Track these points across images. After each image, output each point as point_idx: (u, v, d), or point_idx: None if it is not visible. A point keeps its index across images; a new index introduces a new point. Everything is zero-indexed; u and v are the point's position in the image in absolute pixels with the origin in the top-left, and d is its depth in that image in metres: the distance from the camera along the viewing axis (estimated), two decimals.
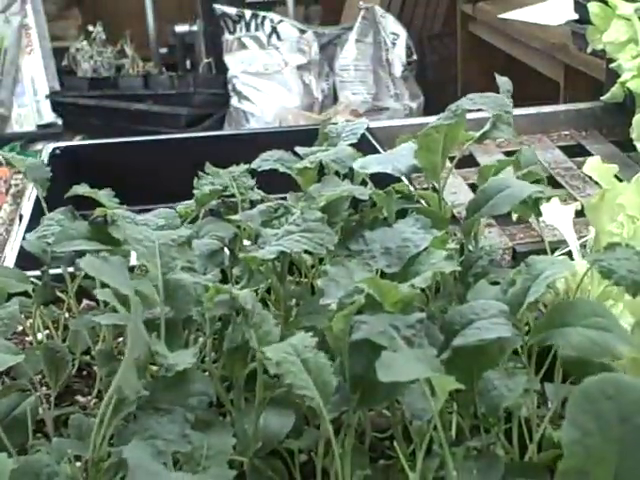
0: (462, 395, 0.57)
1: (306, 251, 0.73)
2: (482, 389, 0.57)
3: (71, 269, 0.84)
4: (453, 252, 0.65)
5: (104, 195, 0.84)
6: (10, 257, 1.04)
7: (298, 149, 0.87)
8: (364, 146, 0.89)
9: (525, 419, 0.62)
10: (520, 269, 0.61)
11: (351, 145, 0.85)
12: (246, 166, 0.89)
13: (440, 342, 0.55)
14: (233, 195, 0.87)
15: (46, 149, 1.44)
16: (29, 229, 1.03)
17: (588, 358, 0.57)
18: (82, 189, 0.84)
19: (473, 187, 1.34)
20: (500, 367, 0.59)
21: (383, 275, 0.65)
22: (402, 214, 0.74)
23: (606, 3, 1.36)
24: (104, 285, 0.66)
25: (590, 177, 0.84)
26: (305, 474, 0.65)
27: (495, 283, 0.65)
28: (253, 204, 0.85)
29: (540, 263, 0.60)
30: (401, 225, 0.69)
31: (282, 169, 0.86)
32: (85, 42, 3.67)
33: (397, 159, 0.77)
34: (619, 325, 0.55)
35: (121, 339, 0.83)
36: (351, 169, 0.81)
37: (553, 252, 0.84)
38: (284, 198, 0.84)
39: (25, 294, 0.81)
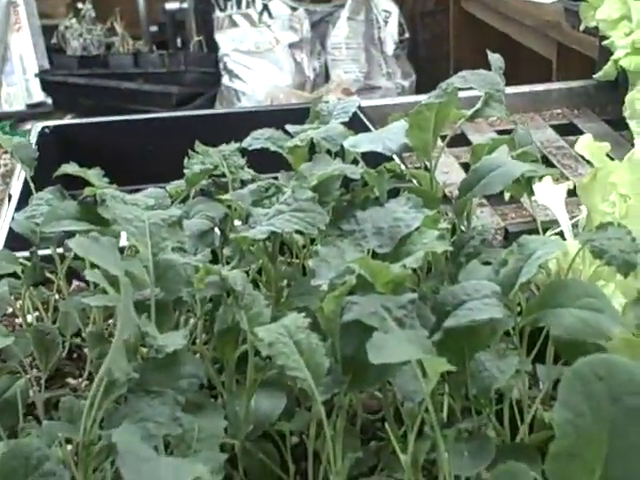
0: (453, 377, 0.57)
1: (297, 231, 0.72)
2: (474, 370, 0.56)
3: (60, 250, 0.83)
4: (445, 232, 0.65)
5: (93, 174, 0.83)
6: None
7: (289, 127, 0.87)
8: (356, 125, 0.89)
9: (516, 400, 0.62)
10: (512, 249, 0.60)
11: (343, 124, 0.84)
12: (236, 145, 0.88)
13: (432, 323, 0.55)
14: (224, 174, 0.86)
15: (35, 128, 1.42)
16: (18, 209, 1.02)
17: (580, 339, 0.57)
18: (71, 168, 0.83)
19: (465, 166, 1.33)
20: (492, 348, 0.59)
21: (375, 255, 0.65)
22: (394, 193, 0.74)
23: None
24: (94, 266, 0.66)
25: (582, 156, 0.83)
26: (296, 456, 0.65)
27: (487, 263, 0.65)
28: (244, 183, 0.84)
29: (532, 243, 0.60)
30: (393, 205, 0.68)
31: (273, 148, 0.85)
32: (74, 20, 3.63)
33: (388, 137, 0.77)
34: (611, 306, 0.55)
35: (111, 321, 0.83)
36: (342, 147, 0.80)
37: (545, 232, 0.84)
38: (275, 177, 0.84)
39: (14, 275, 0.80)
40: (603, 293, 0.57)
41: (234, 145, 0.88)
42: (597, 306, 0.54)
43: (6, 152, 1.42)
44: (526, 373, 0.60)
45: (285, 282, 0.76)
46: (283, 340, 0.54)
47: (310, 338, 0.54)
